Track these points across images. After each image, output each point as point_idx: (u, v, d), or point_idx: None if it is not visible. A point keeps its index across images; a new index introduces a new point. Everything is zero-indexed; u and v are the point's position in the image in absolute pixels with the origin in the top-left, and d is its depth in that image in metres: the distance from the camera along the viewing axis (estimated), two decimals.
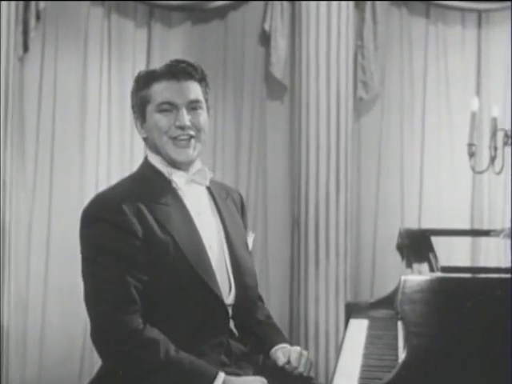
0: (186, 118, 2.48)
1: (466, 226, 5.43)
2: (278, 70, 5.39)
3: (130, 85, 5.59)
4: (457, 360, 2.13)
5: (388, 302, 3.20)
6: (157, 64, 5.38)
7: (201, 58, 5.44)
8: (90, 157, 5.30)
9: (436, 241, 3.36)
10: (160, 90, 2.51)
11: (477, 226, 5.44)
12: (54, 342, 5.13)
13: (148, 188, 2.48)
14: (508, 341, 2.11)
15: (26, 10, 4.91)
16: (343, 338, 2.99)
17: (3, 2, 4.61)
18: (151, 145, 2.54)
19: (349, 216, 5.35)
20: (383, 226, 5.48)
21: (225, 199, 2.65)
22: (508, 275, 2.29)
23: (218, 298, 2.40)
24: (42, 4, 4.94)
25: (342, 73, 5.31)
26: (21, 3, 4.88)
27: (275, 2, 5.37)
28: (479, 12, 5.51)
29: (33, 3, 4.92)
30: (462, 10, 5.50)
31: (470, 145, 4.01)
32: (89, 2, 5.23)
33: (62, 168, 5.24)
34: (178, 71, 2.52)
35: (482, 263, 5.28)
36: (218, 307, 2.41)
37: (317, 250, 5.26)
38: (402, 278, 2.20)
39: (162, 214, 2.43)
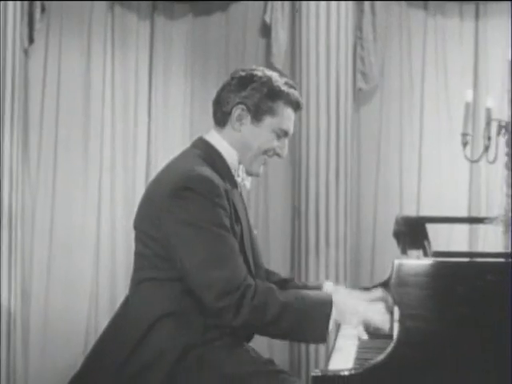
0: (286, 149, 2.65)
1: (464, 214, 5.50)
2: (279, 60, 5.45)
3: (133, 76, 5.65)
4: (449, 341, 2.21)
5: (385, 287, 3.27)
6: (160, 56, 5.46)
7: (203, 49, 5.56)
8: (94, 147, 5.36)
9: (436, 228, 3.44)
10: (287, 117, 2.60)
11: (475, 214, 5.51)
12: (56, 329, 5.22)
13: (221, 173, 2.56)
14: (498, 323, 2.20)
15: (32, 2, 4.98)
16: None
17: None
18: (238, 139, 2.61)
19: (348, 204, 5.41)
20: (382, 214, 5.53)
21: None
22: (498, 260, 2.39)
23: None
24: None
25: (341, 64, 5.37)
26: None
27: None
28: (477, 4, 5.58)
29: None
30: (460, 2, 5.56)
31: (464, 134, 4.09)
32: None
33: (65, 158, 5.31)
34: (300, 105, 2.65)
35: (479, 250, 5.36)
36: None
37: (317, 238, 5.33)
38: (396, 261, 2.27)
39: (236, 201, 2.55)
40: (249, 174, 2.65)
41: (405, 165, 5.65)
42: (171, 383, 2.43)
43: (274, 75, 2.65)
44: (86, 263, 5.34)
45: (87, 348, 5.15)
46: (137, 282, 2.58)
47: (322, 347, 5.17)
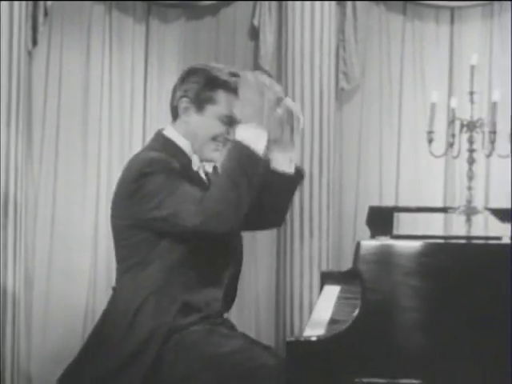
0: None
1: (440, 206, 5.72)
2: (266, 62, 5.63)
3: (129, 74, 5.74)
4: (404, 311, 2.49)
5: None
6: (154, 56, 5.61)
7: (194, 51, 5.69)
8: (92, 144, 5.48)
9: (416, 218, 3.73)
10: (228, 103, 2.72)
11: (450, 205, 5.75)
12: (57, 313, 5.36)
13: (181, 162, 2.73)
14: (442, 293, 2.50)
15: (35, 7, 5.10)
16: (317, 300, 3.34)
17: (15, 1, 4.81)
18: (187, 130, 2.77)
19: (331, 198, 5.59)
20: (363, 207, 5.51)
21: None
22: (450, 241, 2.70)
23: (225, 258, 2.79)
24: (49, 2, 5.15)
25: (324, 65, 5.54)
26: (30, 1, 5.06)
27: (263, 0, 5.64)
28: (452, 9, 5.79)
29: (41, 1, 5.12)
30: (436, 7, 5.78)
31: (430, 132, 4.38)
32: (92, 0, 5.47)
33: (66, 155, 5.43)
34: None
35: None
36: (226, 266, 2.80)
37: (301, 228, 5.51)
38: (360, 242, 2.53)
39: (191, 176, 2.73)
40: (203, 160, 2.81)
41: (384, 160, 5.85)
42: (159, 365, 2.60)
43: (214, 66, 2.77)
44: (84, 253, 5.46)
45: (85, 331, 5.26)
46: (122, 272, 2.76)
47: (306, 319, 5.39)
